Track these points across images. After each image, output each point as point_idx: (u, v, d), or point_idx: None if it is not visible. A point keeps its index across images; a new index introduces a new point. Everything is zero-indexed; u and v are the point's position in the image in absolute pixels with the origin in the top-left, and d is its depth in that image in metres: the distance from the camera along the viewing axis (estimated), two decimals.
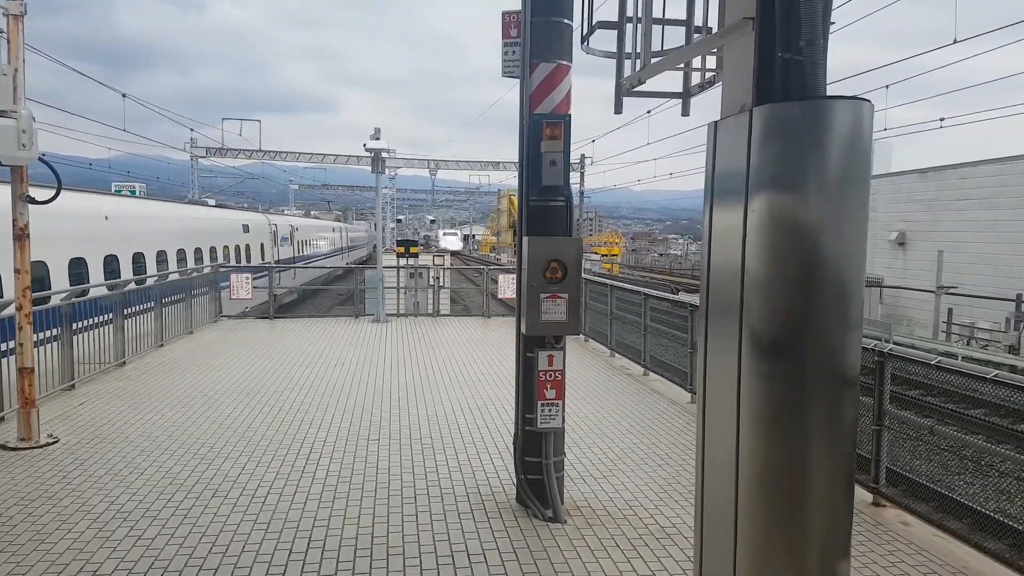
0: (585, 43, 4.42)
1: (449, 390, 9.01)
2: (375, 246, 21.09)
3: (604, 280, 14.05)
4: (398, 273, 16.98)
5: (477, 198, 78.43)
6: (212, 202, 32.81)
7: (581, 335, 13.12)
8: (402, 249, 17.72)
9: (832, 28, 2.57)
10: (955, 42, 11.97)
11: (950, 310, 20.55)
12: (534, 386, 5.07)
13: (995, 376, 4.56)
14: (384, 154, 16.05)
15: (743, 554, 2.50)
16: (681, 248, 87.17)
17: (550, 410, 5.07)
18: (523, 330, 5.10)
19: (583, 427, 7.33)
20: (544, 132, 5.02)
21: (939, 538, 4.78)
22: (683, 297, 10.53)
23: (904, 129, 18.89)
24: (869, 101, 2.39)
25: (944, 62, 13.43)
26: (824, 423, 2.43)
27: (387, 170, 19.28)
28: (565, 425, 5.19)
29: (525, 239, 5.03)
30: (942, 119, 17.05)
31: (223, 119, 38.36)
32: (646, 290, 11.00)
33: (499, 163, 42.32)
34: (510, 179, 48.08)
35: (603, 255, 58.37)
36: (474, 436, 7.04)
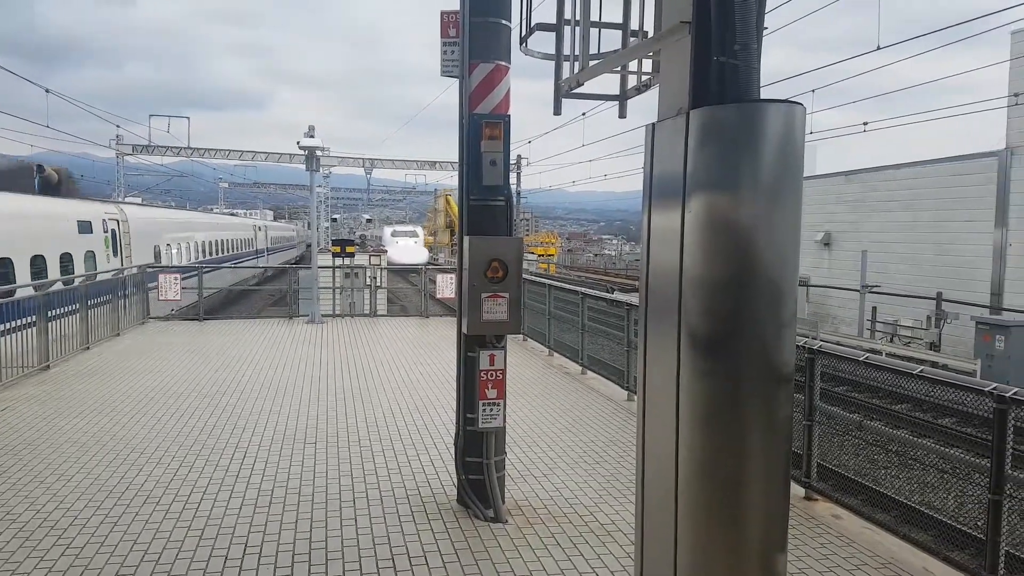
0: (524, 44, 4.44)
1: (388, 391, 8.90)
2: (308, 246, 20.62)
3: (542, 280, 14.14)
4: (333, 273, 16.69)
5: (413, 197, 76.88)
6: None
7: (520, 335, 13.17)
8: (338, 249, 17.44)
9: (764, 33, 2.64)
10: (878, 49, 12.50)
11: (874, 308, 21.46)
12: (475, 386, 5.06)
13: (920, 372, 4.77)
14: (318, 152, 15.76)
15: (684, 547, 2.55)
16: (615, 248, 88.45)
17: (491, 409, 5.06)
18: (464, 329, 5.08)
19: (523, 426, 7.35)
20: (484, 132, 5.02)
21: (868, 530, 4.97)
22: (619, 296, 10.68)
23: (829, 132, 19.60)
24: (801, 104, 2.47)
25: (867, 68, 14.06)
26: (760, 418, 2.49)
27: (321, 168, 18.95)
28: (505, 424, 5.19)
29: (466, 239, 5.02)
30: (865, 123, 17.77)
31: (151, 116, 36.92)
32: (583, 289, 11.11)
33: (436, 163, 42.14)
34: (447, 179, 47.83)
35: (540, 255, 58.75)
36: (414, 438, 6.97)
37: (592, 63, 3.70)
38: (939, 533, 4.87)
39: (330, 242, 25.67)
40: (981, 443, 4.21)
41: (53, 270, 13.52)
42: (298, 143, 15.57)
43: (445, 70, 5.41)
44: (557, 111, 4.26)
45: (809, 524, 5.07)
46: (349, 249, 17.48)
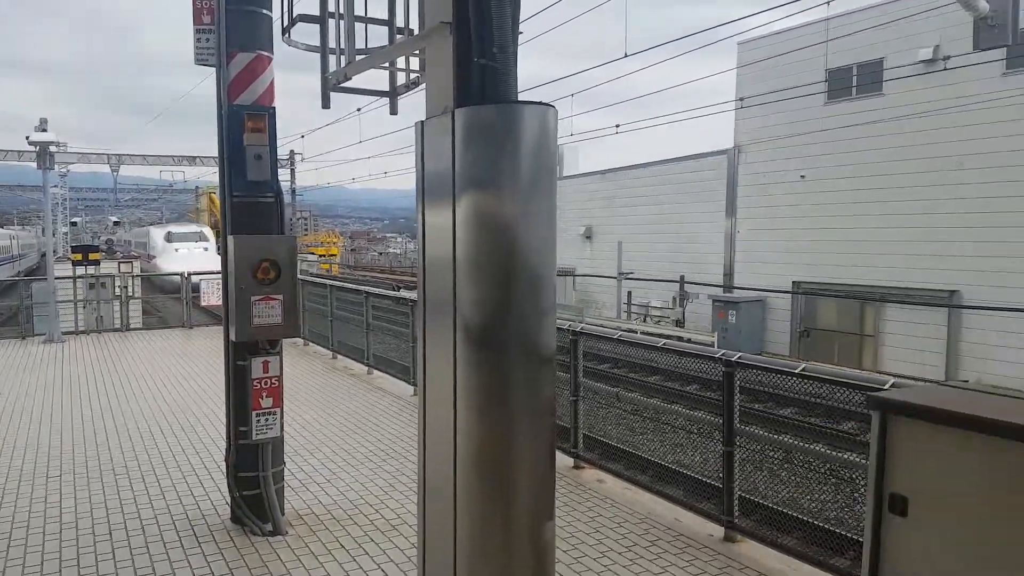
0: (286, 35, 4.29)
1: (146, 412, 8.11)
2: (43, 255, 18.23)
3: (323, 280, 13.73)
4: (75, 284, 14.75)
5: (171, 196, 69.92)
6: None
7: (301, 339, 12.74)
8: (79, 256, 15.50)
9: (521, 39, 2.80)
10: (626, 56, 13.69)
11: (629, 293, 23.65)
12: (248, 396, 4.80)
13: (664, 345, 5.36)
14: (52, 147, 13.86)
15: (462, 527, 2.65)
16: (400, 246, 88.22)
17: (267, 419, 4.84)
18: (233, 337, 4.79)
19: (305, 433, 7.10)
20: (247, 124, 4.78)
21: (629, 491, 5.50)
22: (403, 293, 10.72)
23: (588, 134, 21.22)
24: (553, 107, 2.65)
25: (619, 74, 15.43)
26: (527, 401, 2.65)
27: (57, 166, 16.72)
28: (285, 434, 4.99)
29: (231, 238, 4.73)
30: (617, 125, 19.44)
31: None
32: (367, 288, 10.99)
33: (196, 157, 39.01)
34: (209, 175, 44.32)
35: (321, 255, 56.91)
36: (179, 459, 6.42)
37: (358, 58, 3.68)
38: (691, 488, 5.50)
39: (70, 249, 22.76)
40: (718, 404, 4.84)
41: None
42: (27, 138, 13.58)
43: (199, 58, 5.05)
44: (326, 105, 4.18)
45: (578, 491, 5.50)
46: (93, 256, 15.62)
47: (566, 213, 28.37)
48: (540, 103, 2.64)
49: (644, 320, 22.70)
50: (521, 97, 2.69)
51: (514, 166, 2.58)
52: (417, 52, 3.44)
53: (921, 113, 16.00)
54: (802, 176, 19.37)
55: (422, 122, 2.84)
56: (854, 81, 18.04)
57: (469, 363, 2.64)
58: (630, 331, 20.55)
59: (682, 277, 22.08)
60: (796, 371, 4.32)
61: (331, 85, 3.97)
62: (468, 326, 2.64)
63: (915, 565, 2.86)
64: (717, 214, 22.17)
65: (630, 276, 23.10)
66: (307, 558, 4.45)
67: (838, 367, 16.18)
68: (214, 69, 4.94)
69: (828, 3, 11.61)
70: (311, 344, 12.53)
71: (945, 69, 14.31)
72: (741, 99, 19.39)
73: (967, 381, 15.36)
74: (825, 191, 18.68)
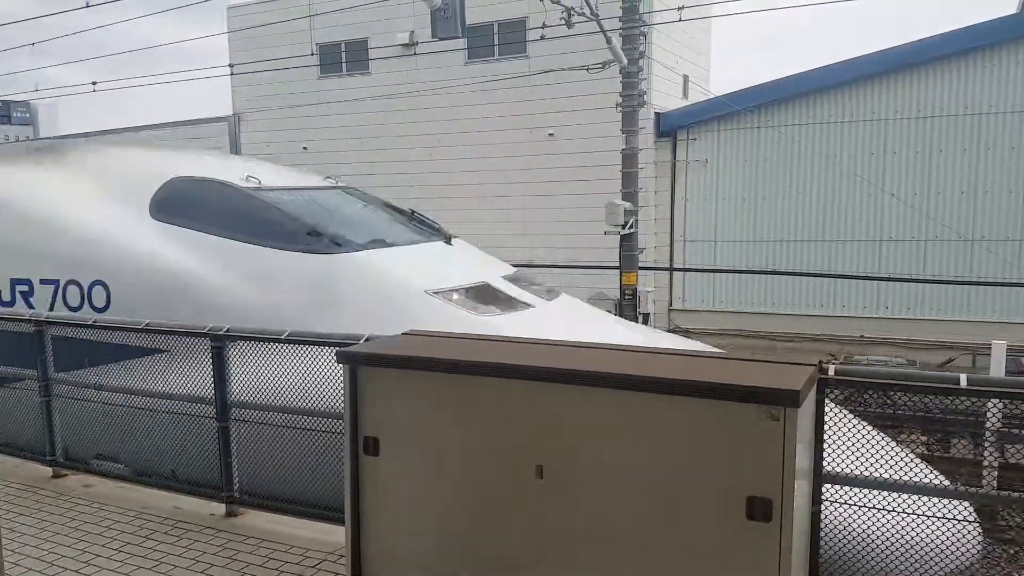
0: None
1: None
2: None
3: None
4: None
5: None
6: None
7: None
8: None
9: None
10: (88, 6, 11.81)
11: None
12: None
13: (147, 324, 4.98)
14: None
15: None
16: None
17: None
18: None
19: None
20: None
21: (122, 489, 5.06)
22: None
23: (64, 91, 18.19)
24: None
25: (87, 26, 13.40)
26: None
27: None
28: None
29: None
30: (95, 83, 17.04)
31: None
32: None
33: None
34: None
35: None
36: None
37: None
38: (206, 470, 5.12)
39: None
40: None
41: None
42: None
43: None
44: None
45: (59, 500, 4.92)
46: None
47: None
48: None
49: None
50: None
51: None
52: None
53: (403, 94, 17.87)
54: (304, 148, 19.92)
55: None
56: (343, 58, 19.14)
57: None
58: None
59: None
60: (282, 337, 4.45)
61: None
62: None
63: (390, 497, 3.27)
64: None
65: None
66: None
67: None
68: None
69: None
70: None
71: (415, 54, 16.18)
72: (231, 66, 18.89)
73: None
74: (327, 163, 19.54)
